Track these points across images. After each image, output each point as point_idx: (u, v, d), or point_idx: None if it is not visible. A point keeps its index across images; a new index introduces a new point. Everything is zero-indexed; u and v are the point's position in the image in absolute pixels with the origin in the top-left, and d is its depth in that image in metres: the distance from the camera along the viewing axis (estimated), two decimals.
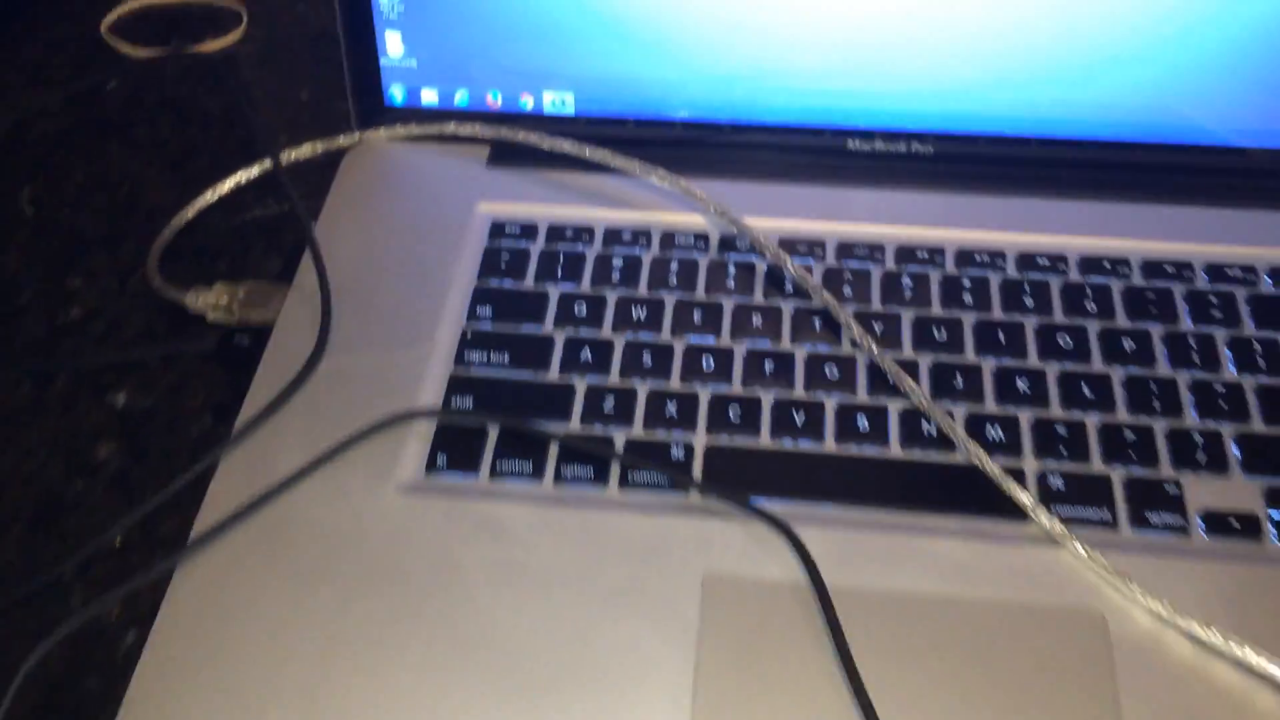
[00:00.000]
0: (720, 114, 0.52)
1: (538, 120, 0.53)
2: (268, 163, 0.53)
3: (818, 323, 0.46)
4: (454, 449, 0.42)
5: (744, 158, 0.52)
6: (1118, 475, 0.41)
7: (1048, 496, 0.40)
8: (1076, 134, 0.51)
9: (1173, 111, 0.50)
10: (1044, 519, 0.39)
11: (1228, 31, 0.48)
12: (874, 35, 0.50)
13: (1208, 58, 0.49)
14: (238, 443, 0.42)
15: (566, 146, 0.51)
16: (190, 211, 0.52)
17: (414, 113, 0.54)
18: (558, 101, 0.53)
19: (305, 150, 0.53)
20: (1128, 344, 0.45)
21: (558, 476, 0.41)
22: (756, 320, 0.46)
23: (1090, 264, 0.47)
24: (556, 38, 0.51)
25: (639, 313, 0.46)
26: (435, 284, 0.48)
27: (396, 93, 0.53)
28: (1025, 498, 0.40)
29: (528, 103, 0.53)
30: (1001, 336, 0.45)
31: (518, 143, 0.52)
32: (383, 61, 0.53)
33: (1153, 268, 0.47)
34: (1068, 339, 0.45)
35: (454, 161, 0.53)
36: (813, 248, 0.49)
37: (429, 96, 0.53)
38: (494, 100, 0.53)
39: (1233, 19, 0.48)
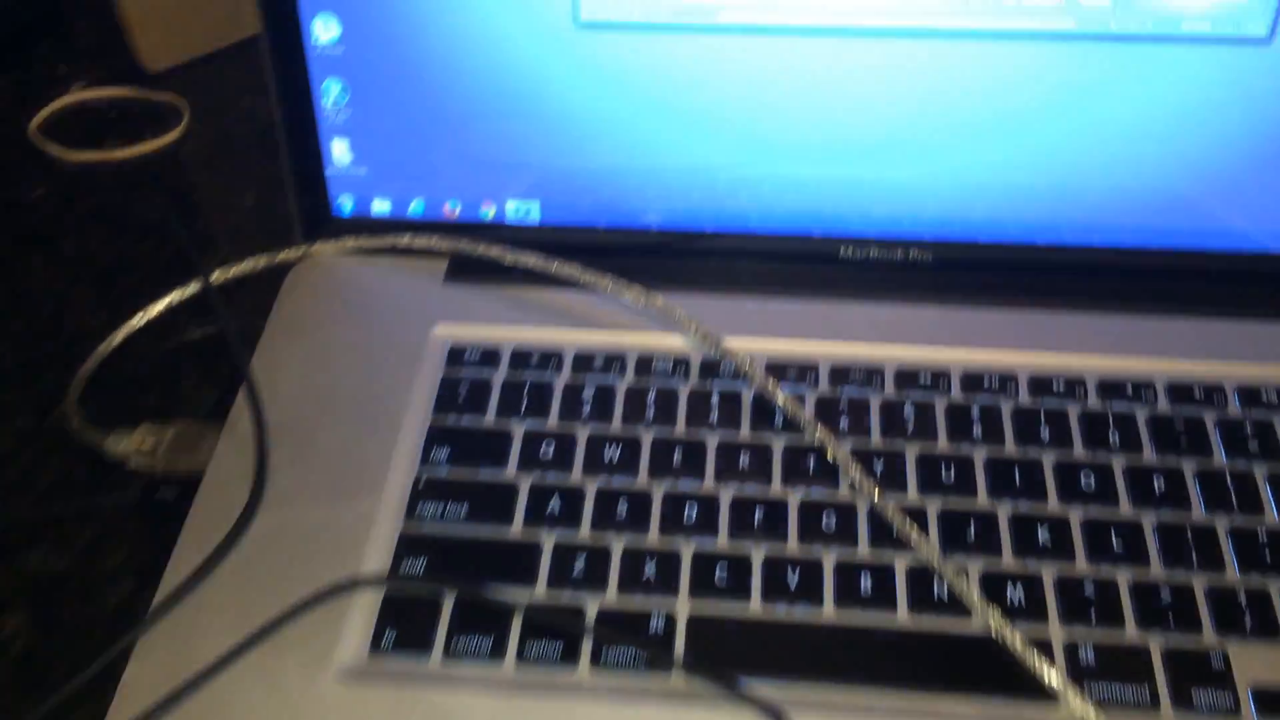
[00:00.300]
0: (699, 220, 0.48)
1: (500, 231, 0.48)
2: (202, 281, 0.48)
3: (812, 462, 0.41)
4: (403, 624, 0.37)
5: (726, 268, 0.48)
6: (1155, 644, 0.36)
7: (1078, 672, 0.35)
8: (1091, 239, 0.47)
9: (1197, 213, 0.46)
10: (1075, 701, 0.34)
11: (1256, 123, 0.44)
12: (866, 133, 0.45)
13: (1234, 153, 0.44)
14: (157, 620, 0.37)
15: (531, 261, 0.46)
16: (117, 338, 0.47)
17: (364, 224, 0.49)
18: (522, 210, 0.48)
19: (246, 265, 0.49)
20: (1158, 484, 0.40)
21: (521, 655, 0.36)
22: (744, 460, 0.41)
23: (1111, 388, 0.43)
24: (520, 142, 0.47)
25: (612, 453, 0.41)
26: (386, 421, 0.43)
27: (345, 202, 0.49)
28: (1053, 676, 0.35)
29: (489, 212, 0.49)
30: (1017, 476, 0.40)
31: (478, 256, 0.47)
32: (328, 170, 0.48)
33: (1180, 392, 0.43)
34: (1091, 479, 0.40)
35: (409, 277, 0.48)
36: (804, 372, 0.44)
37: (380, 206, 0.49)
38: (452, 210, 0.49)
39: (1261, 109, 0.43)
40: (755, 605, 0.37)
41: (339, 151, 0.48)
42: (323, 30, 0.45)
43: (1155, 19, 0.42)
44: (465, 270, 0.48)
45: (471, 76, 0.46)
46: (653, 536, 0.39)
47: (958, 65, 0.44)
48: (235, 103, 0.61)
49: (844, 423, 0.42)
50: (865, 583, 0.38)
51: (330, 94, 0.47)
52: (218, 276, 0.48)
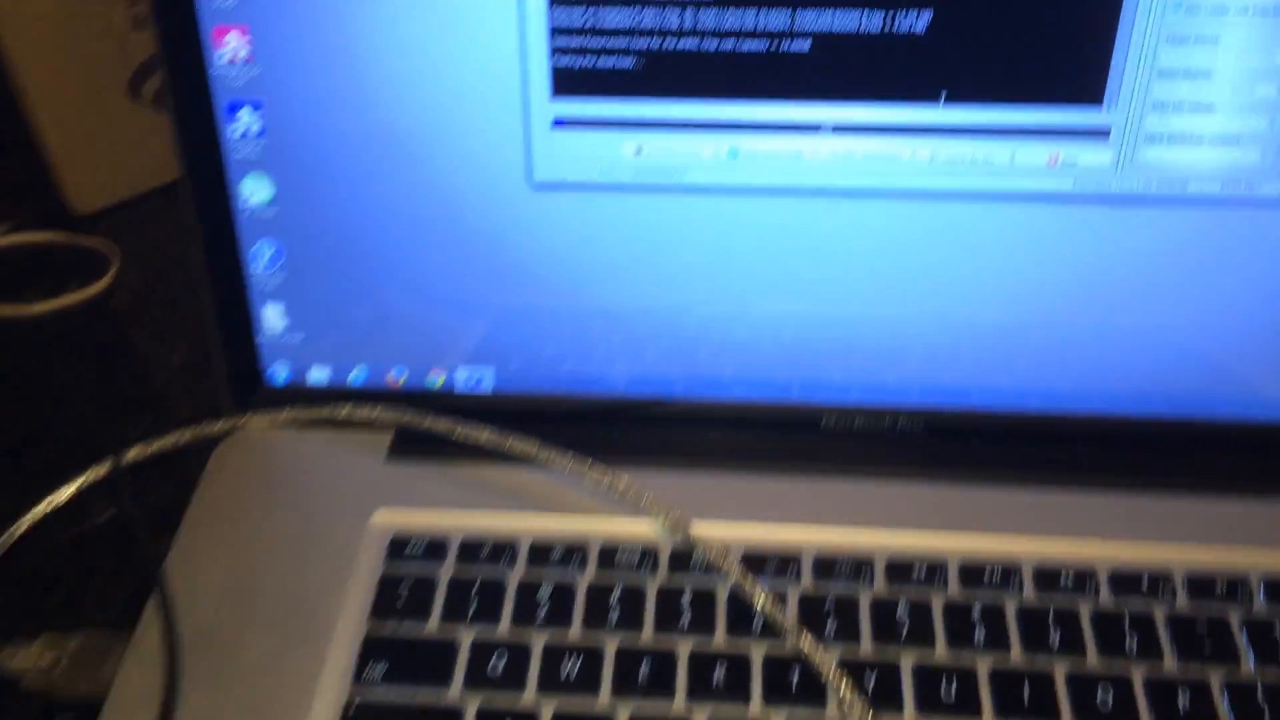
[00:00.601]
0: (668, 386, 0.44)
1: (450, 401, 0.44)
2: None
3: (796, 675, 0.36)
4: None
5: (698, 439, 0.44)
6: None
7: None
8: (1095, 407, 0.43)
9: (1210, 380, 0.42)
10: None
11: (1272, 287, 0.40)
12: (849, 295, 0.42)
13: (1247, 318, 0.41)
14: None
15: (484, 436, 0.42)
16: (20, 528, 0.42)
17: (300, 393, 0.45)
18: (473, 378, 0.44)
19: (168, 440, 0.44)
20: (1182, 699, 0.36)
21: None
22: (718, 675, 0.36)
23: (1125, 582, 0.39)
24: (470, 306, 0.43)
25: (571, 666, 0.37)
26: (317, 629, 0.38)
27: (279, 370, 0.45)
28: None
29: (438, 380, 0.44)
30: (1026, 691, 0.36)
31: (425, 430, 0.43)
32: (260, 337, 0.44)
33: (1201, 586, 0.39)
34: (1109, 694, 0.36)
35: (348, 454, 0.44)
36: (785, 565, 0.40)
37: (318, 374, 0.45)
38: (397, 378, 0.44)
39: (1276, 273, 0.40)
40: None
41: (272, 317, 0.44)
42: (253, 190, 0.41)
43: (1160, 179, 0.39)
44: (411, 445, 0.44)
45: (417, 239, 0.42)
46: None
47: (947, 227, 0.40)
48: (169, 246, 0.57)
49: (831, 626, 0.38)
50: None
51: (262, 257, 0.43)
52: (136, 453, 0.44)
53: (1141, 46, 0.37)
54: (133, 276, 0.56)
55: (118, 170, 0.58)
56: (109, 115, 0.56)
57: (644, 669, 0.37)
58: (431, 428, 0.43)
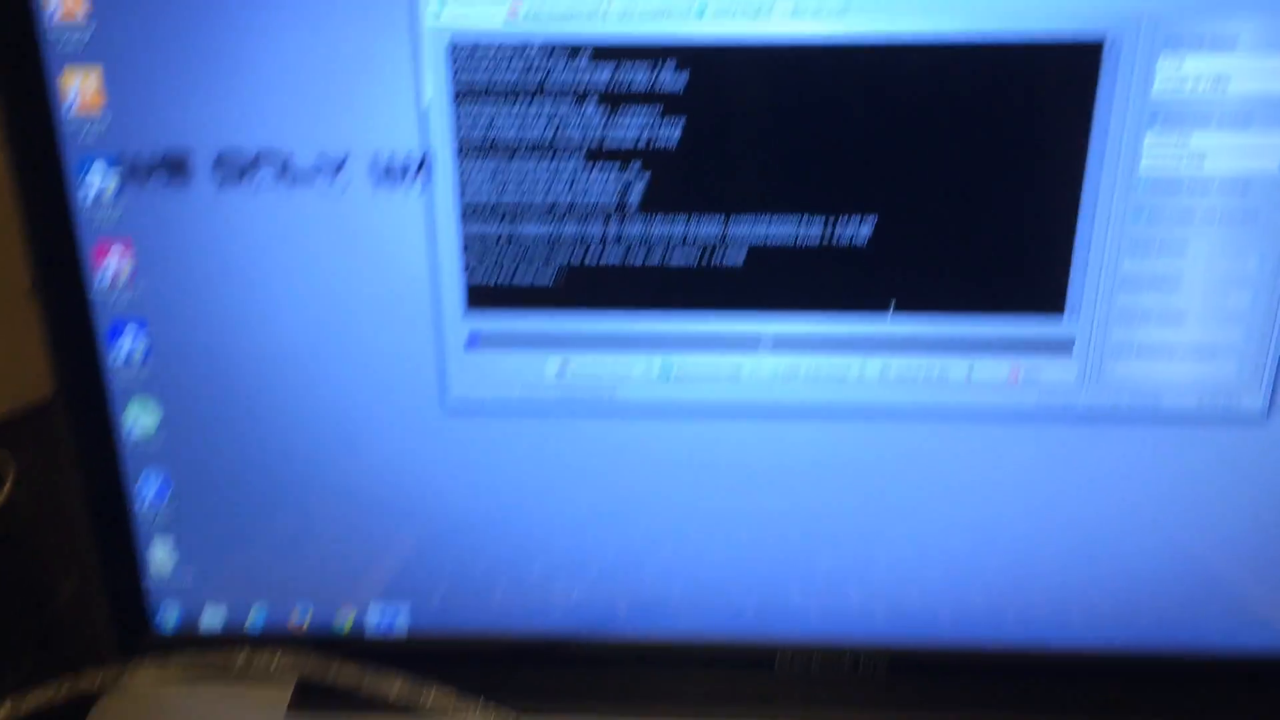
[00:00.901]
0: (604, 623, 0.40)
1: (359, 645, 0.40)
2: None
3: None
4: None
5: (637, 684, 0.39)
6: None
7: None
8: (1073, 639, 0.39)
9: (1205, 605, 0.38)
10: None
11: (1253, 511, 0.37)
12: (798, 521, 0.38)
13: (1230, 544, 0.37)
14: None
15: (396, 688, 0.37)
16: None
17: (191, 639, 0.40)
18: (387, 617, 0.40)
19: (43, 695, 0.39)
20: None
21: None
22: None
23: None
24: (380, 540, 0.39)
25: None
26: None
27: (168, 614, 0.40)
28: None
29: (347, 620, 0.40)
30: None
31: (331, 682, 0.38)
32: (146, 579, 0.39)
33: None
34: None
35: (243, 711, 0.39)
36: None
37: (213, 616, 0.40)
38: (300, 620, 0.40)
39: (1258, 496, 0.37)
40: None
41: (160, 554, 0.39)
42: (138, 417, 0.38)
43: (1130, 394, 0.35)
44: (315, 697, 0.39)
45: (320, 467, 0.38)
46: None
47: (901, 447, 0.37)
48: None
49: None
50: None
51: (149, 489, 0.38)
52: (4, 713, 0.39)
53: (1103, 253, 0.34)
54: (29, 491, 0.51)
55: (18, 376, 0.54)
56: (8, 318, 0.52)
57: None
58: (338, 678, 0.38)
